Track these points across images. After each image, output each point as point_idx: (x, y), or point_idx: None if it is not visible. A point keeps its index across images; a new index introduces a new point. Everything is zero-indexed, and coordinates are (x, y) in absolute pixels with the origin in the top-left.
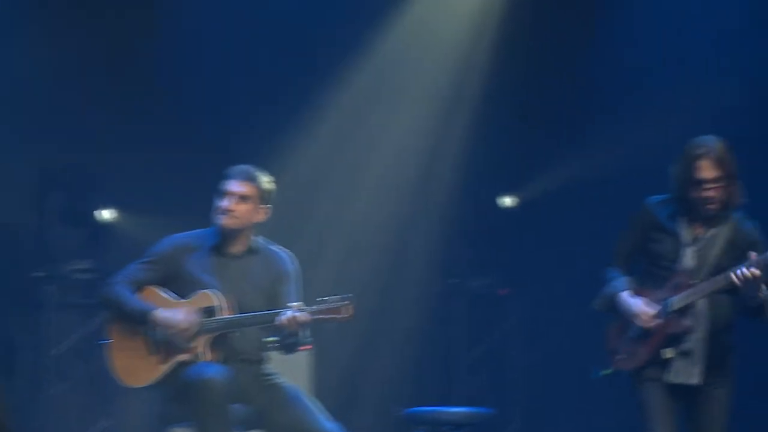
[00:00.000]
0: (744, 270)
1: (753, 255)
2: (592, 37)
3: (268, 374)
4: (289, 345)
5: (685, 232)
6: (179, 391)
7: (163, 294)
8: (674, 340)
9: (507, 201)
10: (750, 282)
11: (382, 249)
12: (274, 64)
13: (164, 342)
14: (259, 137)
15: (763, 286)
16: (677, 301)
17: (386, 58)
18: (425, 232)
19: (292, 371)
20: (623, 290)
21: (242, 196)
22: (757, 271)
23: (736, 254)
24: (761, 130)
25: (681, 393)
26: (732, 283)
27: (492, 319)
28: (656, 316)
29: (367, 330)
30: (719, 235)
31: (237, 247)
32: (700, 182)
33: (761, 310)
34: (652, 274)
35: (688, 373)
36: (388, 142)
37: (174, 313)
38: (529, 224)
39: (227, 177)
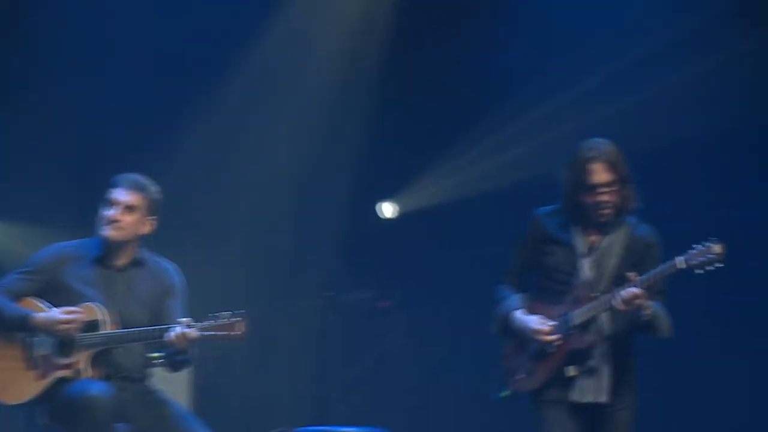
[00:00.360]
0: (624, 293)
1: (632, 275)
2: (478, 46)
3: (153, 391)
4: (176, 362)
5: (580, 242)
6: (60, 409)
7: (42, 305)
8: (577, 357)
9: (387, 210)
10: (632, 303)
11: (255, 260)
12: (150, 67)
13: (43, 356)
14: (134, 144)
15: (649, 303)
16: (578, 315)
17: (261, 65)
18: (300, 243)
19: (171, 388)
20: (517, 308)
21: (129, 206)
22: (638, 291)
23: (634, 260)
24: (649, 137)
25: (584, 414)
26: (614, 304)
27: (372, 334)
28: (556, 333)
29: (243, 346)
30: (615, 243)
31: (122, 260)
32: (593, 187)
33: (650, 327)
34: (547, 288)
35: (595, 392)
36: (265, 150)
37: (54, 311)
38: (411, 234)
39: (113, 185)
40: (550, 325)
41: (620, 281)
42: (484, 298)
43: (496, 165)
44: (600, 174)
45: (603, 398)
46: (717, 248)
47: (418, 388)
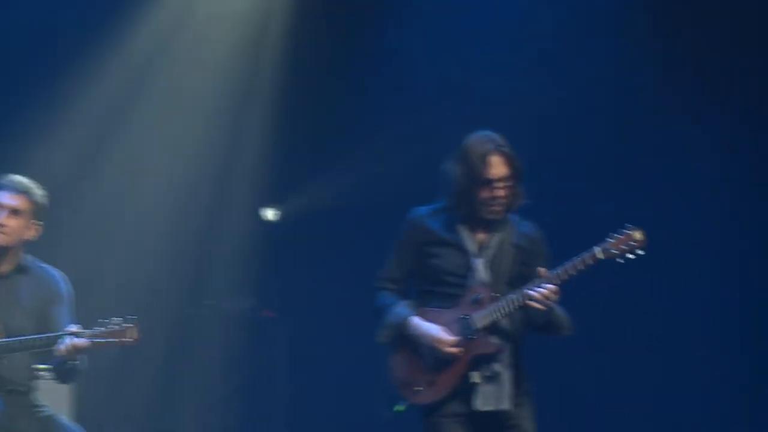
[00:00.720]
0: (540, 289)
1: (542, 271)
2: (370, 50)
3: (38, 405)
4: (65, 373)
5: (469, 242)
6: None
7: None
8: (481, 363)
9: (270, 214)
10: (548, 301)
11: (131, 266)
12: (28, 61)
13: None
14: (11, 142)
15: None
16: (480, 318)
17: (141, 63)
18: (179, 249)
19: (50, 399)
20: (410, 315)
21: (14, 210)
22: (553, 287)
23: (523, 258)
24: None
25: (483, 424)
26: (529, 303)
27: (254, 345)
28: (458, 339)
29: (120, 357)
30: (505, 241)
31: (5, 266)
32: (491, 181)
33: (552, 326)
34: (434, 293)
35: (498, 399)
36: (146, 155)
37: None
38: (295, 240)
39: None
40: (452, 333)
41: (517, 280)
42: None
43: (378, 172)
44: (498, 167)
45: (505, 405)
46: (638, 235)
47: (302, 400)
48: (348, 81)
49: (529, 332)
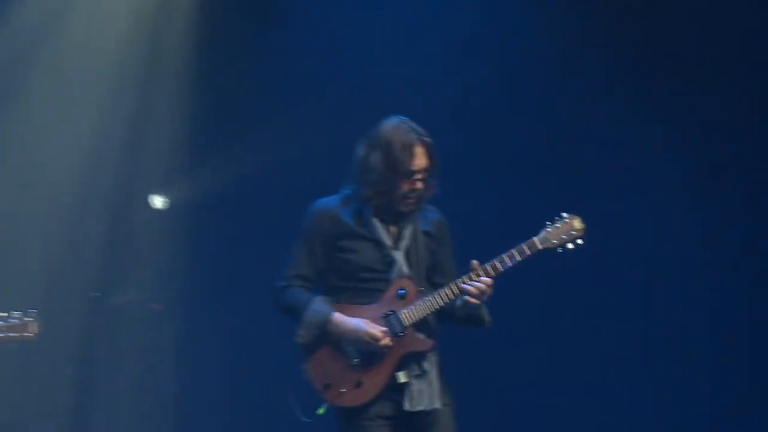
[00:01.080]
0: (476, 283)
1: (475, 263)
2: (267, 35)
3: None
4: None
5: (384, 234)
6: None
7: None
8: (409, 361)
9: (158, 202)
10: (484, 295)
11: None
12: None
13: None
14: None
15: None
16: (409, 314)
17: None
18: (64, 239)
19: None
20: (331, 312)
21: None
22: (489, 280)
23: (432, 246)
24: None
25: (409, 425)
26: (463, 295)
27: (142, 339)
28: (387, 336)
29: None
30: (417, 232)
31: None
32: (412, 173)
33: (472, 319)
34: (348, 288)
35: (429, 398)
36: (29, 142)
37: None
38: (185, 229)
39: None
40: (382, 329)
41: (430, 270)
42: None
43: (274, 161)
44: (420, 158)
45: (436, 404)
46: (576, 223)
47: (191, 400)
48: (244, 64)
49: (445, 325)
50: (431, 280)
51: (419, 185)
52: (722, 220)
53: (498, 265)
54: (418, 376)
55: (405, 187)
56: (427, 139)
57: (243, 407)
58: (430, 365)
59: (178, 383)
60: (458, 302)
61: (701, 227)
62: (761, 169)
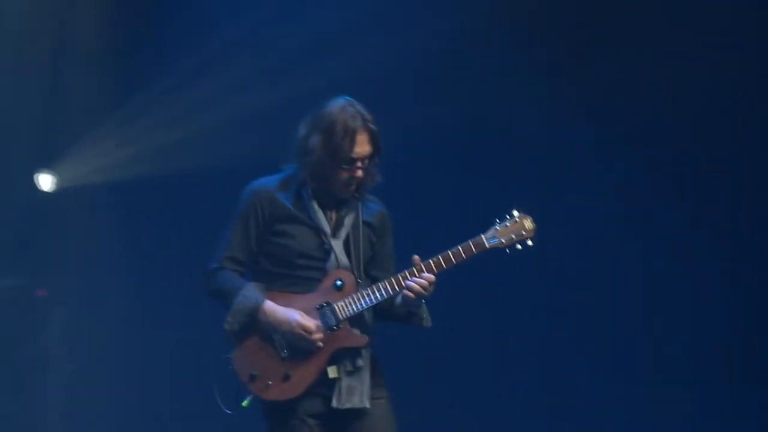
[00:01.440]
0: (418, 279)
1: (417, 259)
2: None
3: None
4: None
5: (324, 221)
6: None
7: None
8: (341, 356)
9: (45, 183)
10: (426, 292)
11: None
12: None
13: None
14: None
15: None
16: (344, 307)
17: None
18: None
19: None
20: (263, 300)
21: None
22: (431, 277)
23: (372, 238)
24: None
25: (339, 424)
26: (402, 291)
27: (25, 328)
28: (321, 329)
29: None
30: (357, 221)
31: None
32: (353, 160)
33: (412, 317)
34: (281, 276)
35: (360, 395)
36: None
37: None
38: (73, 211)
39: None
40: (316, 323)
41: (369, 262)
42: (162, 287)
43: (172, 138)
44: (362, 146)
45: (366, 402)
46: (527, 223)
47: (79, 392)
48: (139, 36)
49: (384, 322)
50: (368, 273)
51: (359, 173)
52: (656, 222)
53: (441, 261)
54: (350, 373)
55: (344, 174)
56: (372, 125)
57: (132, 400)
58: (364, 362)
59: (67, 373)
60: (398, 299)
61: (636, 229)
62: (694, 171)
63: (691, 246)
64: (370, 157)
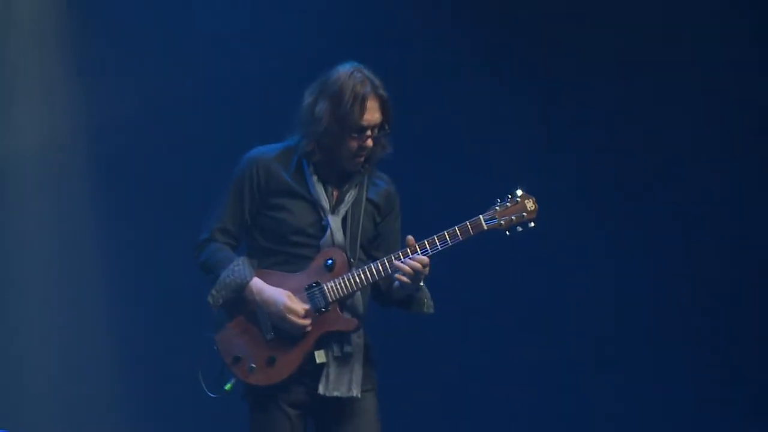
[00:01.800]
0: (410, 261)
1: (411, 240)
2: None
3: None
4: None
5: (322, 196)
6: None
7: None
8: (330, 340)
9: None
10: (420, 275)
11: None
12: None
13: None
14: None
15: None
16: (334, 288)
17: None
18: None
19: None
20: (252, 277)
21: None
22: (425, 259)
23: (376, 217)
24: None
25: (325, 414)
26: (395, 273)
27: None
28: (310, 311)
29: None
30: (360, 197)
31: None
32: (363, 128)
33: (411, 303)
34: (273, 252)
35: (348, 384)
36: None
37: None
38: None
39: None
40: (304, 304)
41: (371, 242)
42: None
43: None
44: (373, 113)
45: (355, 392)
46: (530, 204)
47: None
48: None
49: (387, 307)
50: (371, 255)
51: (369, 143)
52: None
53: (437, 242)
54: (338, 359)
55: (353, 144)
56: (383, 92)
57: (65, 386)
58: (354, 348)
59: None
60: (396, 282)
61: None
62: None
63: (687, 245)
64: (381, 125)
